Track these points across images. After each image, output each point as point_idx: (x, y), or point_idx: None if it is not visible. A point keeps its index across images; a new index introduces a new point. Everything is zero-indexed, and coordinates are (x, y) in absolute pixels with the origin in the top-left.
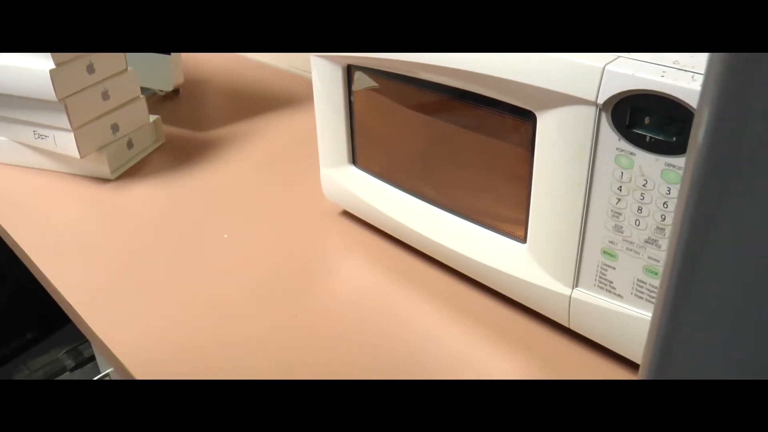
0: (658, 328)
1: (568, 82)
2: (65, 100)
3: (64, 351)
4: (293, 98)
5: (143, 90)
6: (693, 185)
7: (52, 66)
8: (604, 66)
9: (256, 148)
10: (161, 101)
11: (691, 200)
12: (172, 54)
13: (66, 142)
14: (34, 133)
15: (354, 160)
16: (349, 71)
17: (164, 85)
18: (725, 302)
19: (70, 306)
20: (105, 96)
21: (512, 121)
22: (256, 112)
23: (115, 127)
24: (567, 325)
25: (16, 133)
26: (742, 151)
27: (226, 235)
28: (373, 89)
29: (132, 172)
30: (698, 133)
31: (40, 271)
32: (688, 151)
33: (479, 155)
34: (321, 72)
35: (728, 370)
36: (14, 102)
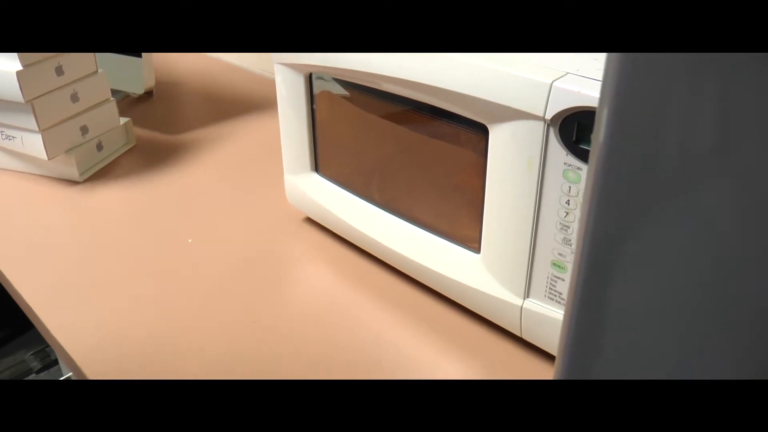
0: (567, 329)
1: (518, 97)
2: (33, 101)
3: (31, 353)
4: (264, 102)
5: (116, 92)
6: (596, 183)
7: (20, 67)
8: (552, 82)
9: (226, 152)
10: (134, 103)
11: (594, 201)
12: (144, 56)
13: (34, 144)
14: (2, 134)
15: (316, 167)
16: (311, 79)
17: (135, 87)
18: (629, 305)
19: (30, 308)
20: (74, 98)
21: (466, 133)
22: (227, 115)
23: (84, 129)
24: (519, 335)
25: None
26: (642, 152)
27: (190, 240)
28: (335, 97)
29: (101, 174)
30: (599, 132)
31: (1, 273)
32: (591, 150)
33: (436, 166)
34: (284, 79)
35: (636, 370)
36: None
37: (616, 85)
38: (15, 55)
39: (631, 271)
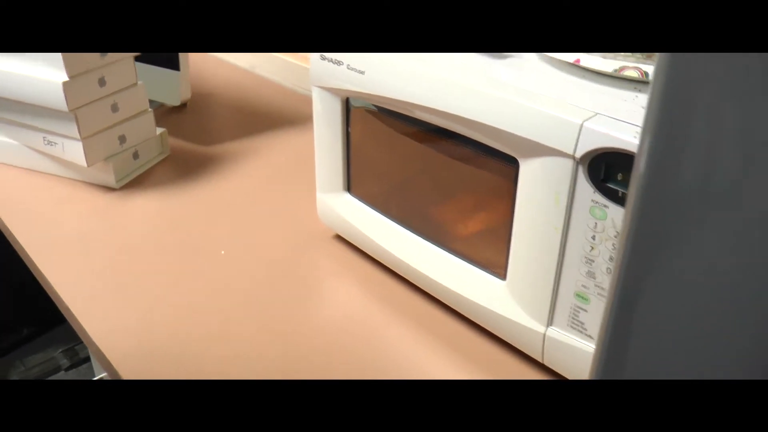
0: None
1: (549, 135)
2: (76, 111)
3: (60, 350)
4: (296, 117)
5: (151, 102)
6: (635, 212)
7: (66, 78)
8: (583, 122)
9: (257, 165)
10: (168, 113)
11: (632, 230)
12: (181, 69)
13: (74, 151)
14: (44, 140)
15: (348, 187)
16: (348, 103)
17: (172, 99)
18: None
19: (69, 309)
20: (114, 108)
21: (496, 164)
22: (259, 128)
23: (122, 139)
24: (541, 361)
25: (27, 138)
26: (677, 191)
27: (223, 252)
28: (370, 121)
29: (136, 182)
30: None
31: (41, 272)
32: (631, 179)
33: (465, 192)
34: (321, 101)
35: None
36: (27, 109)
37: (658, 114)
38: (62, 65)
39: (666, 299)
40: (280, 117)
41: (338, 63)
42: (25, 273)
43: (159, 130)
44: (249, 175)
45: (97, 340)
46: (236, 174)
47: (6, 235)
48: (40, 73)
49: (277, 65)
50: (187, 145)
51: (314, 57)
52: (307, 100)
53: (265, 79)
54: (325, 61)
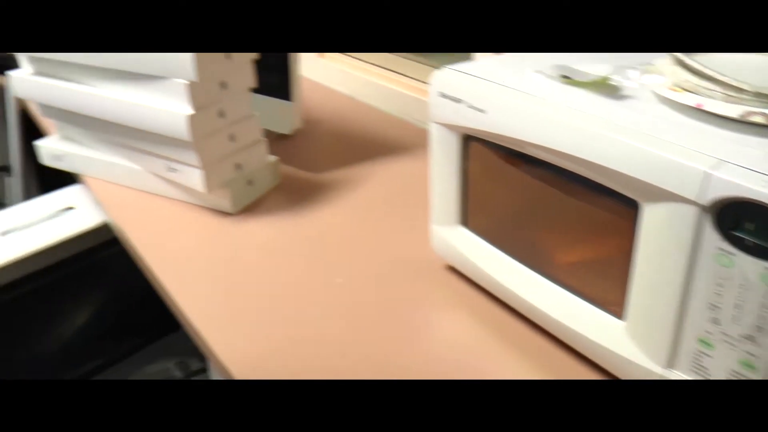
0: None
1: (673, 181)
2: (198, 141)
3: (174, 362)
4: (403, 145)
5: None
6: None
7: (191, 111)
8: (710, 170)
9: (366, 192)
10: (277, 140)
11: None
12: (294, 99)
13: (194, 177)
14: (166, 166)
15: (463, 221)
16: (466, 140)
17: (284, 128)
18: None
19: (191, 323)
20: (232, 138)
21: (617, 205)
22: (366, 156)
23: (238, 166)
24: None
25: (149, 164)
26: None
27: (340, 280)
28: (487, 157)
29: (250, 207)
30: None
31: (164, 288)
32: None
33: (584, 230)
34: (439, 137)
35: None
36: (152, 138)
37: None
38: (186, 98)
39: None
40: (387, 144)
41: (457, 100)
42: (139, 286)
43: (271, 158)
44: (357, 203)
45: (218, 351)
46: (345, 201)
47: (129, 249)
48: (166, 106)
49: (380, 93)
50: (297, 172)
51: (433, 94)
52: (412, 128)
53: (370, 106)
54: (445, 99)
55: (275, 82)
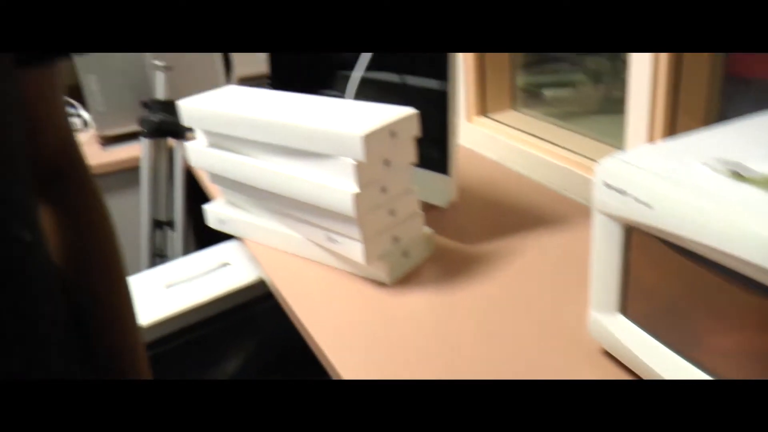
0: None
1: None
2: (361, 217)
3: None
4: (555, 217)
5: None
6: None
7: (357, 190)
8: None
9: (519, 266)
10: (429, 210)
11: None
12: (452, 173)
13: (354, 249)
14: (327, 237)
15: (622, 308)
16: (629, 230)
17: (441, 200)
18: None
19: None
20: (392, 213)
21: None
22: (519, 228)
23: (396, 239)
24: None
25: (310, 233)
26: None
27: (490, 355)
28: (651, 248)
29: (406, 279)
30: None
31: (321, 350)
32: None
33: (747, 326)
34: (602, 226)
35: None
36: (315, 210)
37: None
38: (353, 177)
39: None
40: (537, 215)
41: (623, 193)
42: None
43: (427, 230)
44: (510, 276)
45: None
46: (497, 274)
47: (287, 311)
48: (333, 183)
49: (529, 161)
50: (450, 243)
51: (599, 183)
52: (566, 201)
53: (517, 174)
54: (611, 190)
55: (434, 155)
